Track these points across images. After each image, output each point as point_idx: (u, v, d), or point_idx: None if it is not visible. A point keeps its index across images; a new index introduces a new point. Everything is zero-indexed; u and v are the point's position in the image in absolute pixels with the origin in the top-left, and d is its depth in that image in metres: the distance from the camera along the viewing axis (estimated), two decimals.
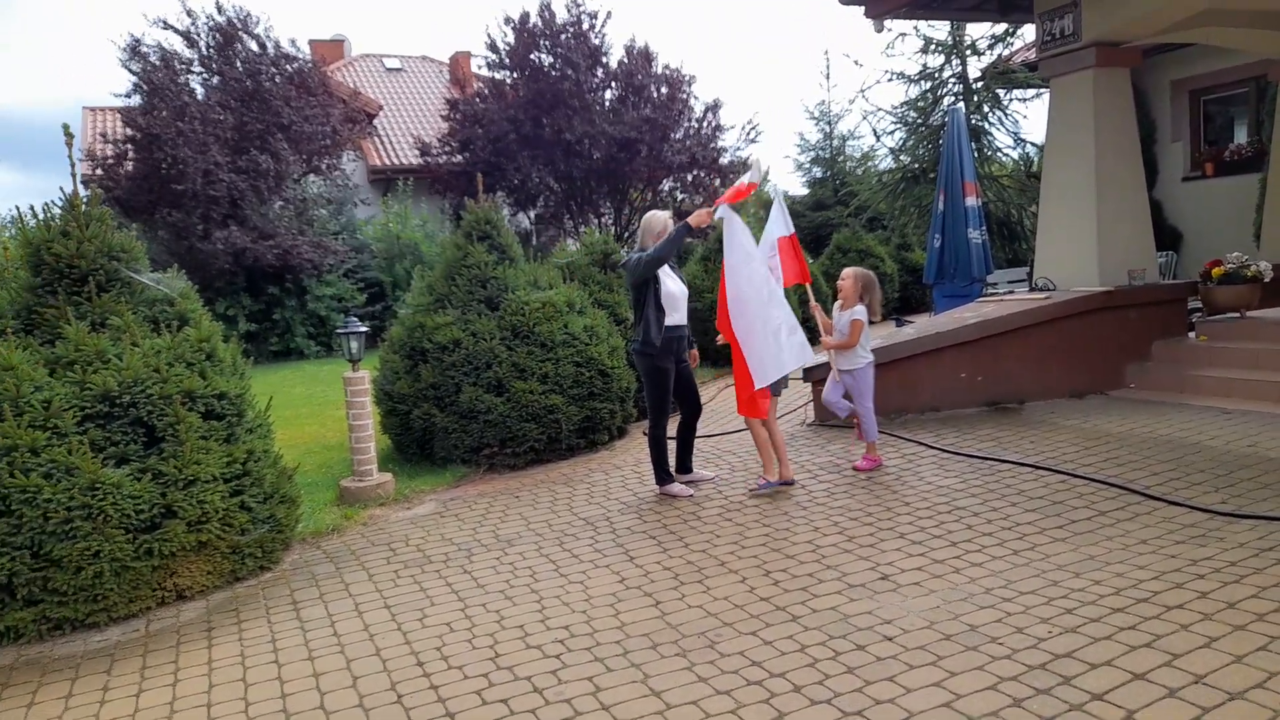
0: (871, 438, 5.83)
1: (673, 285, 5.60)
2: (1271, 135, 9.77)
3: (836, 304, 5.93)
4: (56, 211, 4.82)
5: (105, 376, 4.30)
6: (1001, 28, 13.46)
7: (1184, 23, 7.78)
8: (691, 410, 5.89)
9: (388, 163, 21.23)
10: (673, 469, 5.77)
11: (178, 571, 4.35)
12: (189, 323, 4.86)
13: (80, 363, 4.37)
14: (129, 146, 15.18)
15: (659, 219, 5.63)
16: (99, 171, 15.25)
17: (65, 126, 5.01)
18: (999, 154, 14.81)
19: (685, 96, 19.05)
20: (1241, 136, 12.00)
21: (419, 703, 3.25)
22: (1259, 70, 10.38)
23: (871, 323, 5.92)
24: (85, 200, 4.84)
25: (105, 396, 4.30)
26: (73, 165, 4.92)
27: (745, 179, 5.61)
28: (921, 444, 6.28)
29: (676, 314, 5.58)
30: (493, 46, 18.74)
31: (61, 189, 4.88)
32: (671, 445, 5.84)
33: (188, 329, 4.78)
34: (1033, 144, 14.28)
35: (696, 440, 6.11)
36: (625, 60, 18.76)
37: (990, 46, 14.07)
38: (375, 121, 21.79)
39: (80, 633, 4.13)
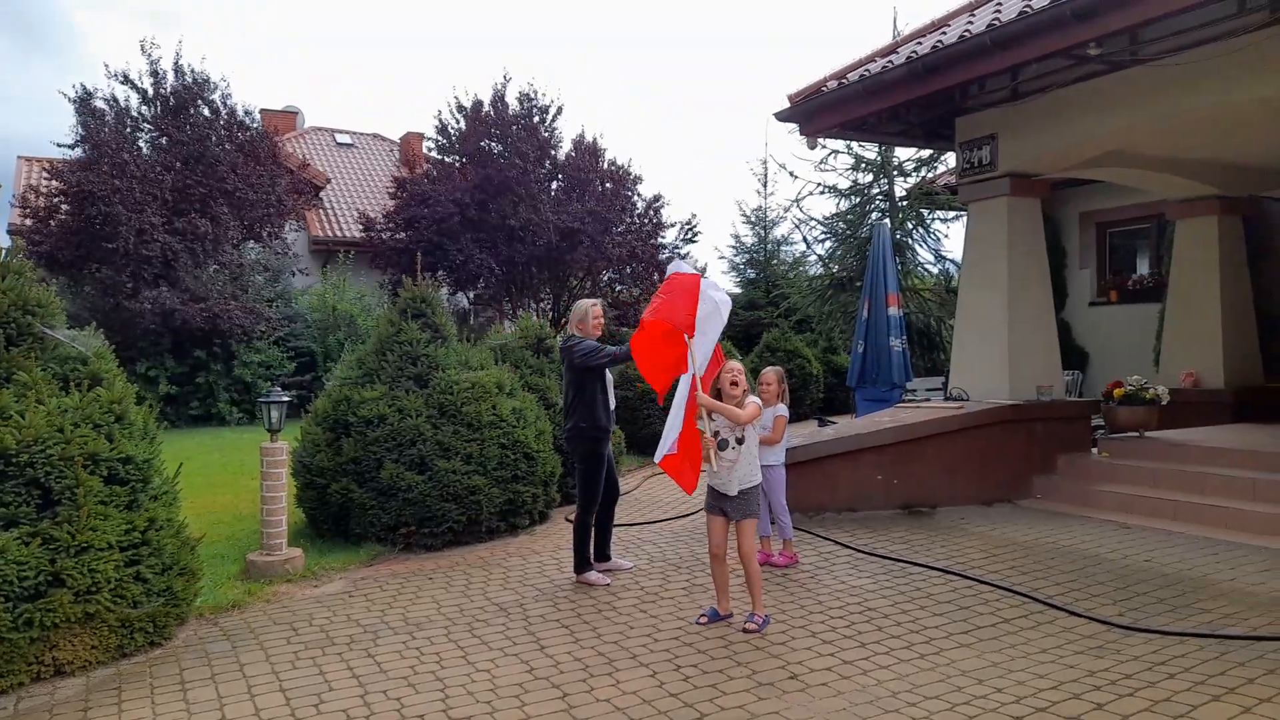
0: (788, 534, 5.90)
1: (609, 373, 5.78)
2: (1170, 270, 10.48)
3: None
4: None
5: (3, 433, 4.12)
6: (926, 153, 14.30)
7: (1091, 161, 8.41)
8: (610, 497, 5.91)
9: (330, 234, 21.19)
10: (591, 557, 5.74)
11: (59, 644, 4.11)
12: (102, 382, 4.72)
13: None
14: (61, 199, 14.88)
15: (583, 306, 5.84)
16: (29, 222, 14.86)
17: None
18: (921, 268, 15.52)
19: (629, 193, 19.59)
20: (1144, 268, 12.82)
21: None
22: (1159, 209, 11.18)
23: (790, 420, 6.11)
24: (5, 252, 4.74)
25: (1, 454, 4.12)
26: None
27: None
28: (837, 543, 6.37)
29: (612, 402, 5.78)
30: (443, 130, 19.09)
31: None
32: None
33: (99, 389, 4.64)
34: (952, 261, 15.01)
35: (616, 529, 6.10)
36: (573, 154, 19.27)
37: (916, 169, 14.90)
38: (322, 194, 21.81)
39: None
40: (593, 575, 5.59)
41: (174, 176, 15.09)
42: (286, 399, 6.16)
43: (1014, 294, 8.24)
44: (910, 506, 7.48)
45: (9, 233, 15.79)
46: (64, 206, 14.87)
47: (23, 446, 4.13)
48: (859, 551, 6.17)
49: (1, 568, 3.86)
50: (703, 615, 4.85)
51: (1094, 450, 8.29)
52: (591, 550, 5.76)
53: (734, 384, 4.74)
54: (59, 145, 15.27)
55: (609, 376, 5.79)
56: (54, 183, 14.97)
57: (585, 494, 5.68)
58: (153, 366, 14.84)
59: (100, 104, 15.10)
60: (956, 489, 7.66)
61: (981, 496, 7.74)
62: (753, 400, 4.84)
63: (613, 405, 5.80)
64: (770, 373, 5.92)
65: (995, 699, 3.79)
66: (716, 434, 4.72)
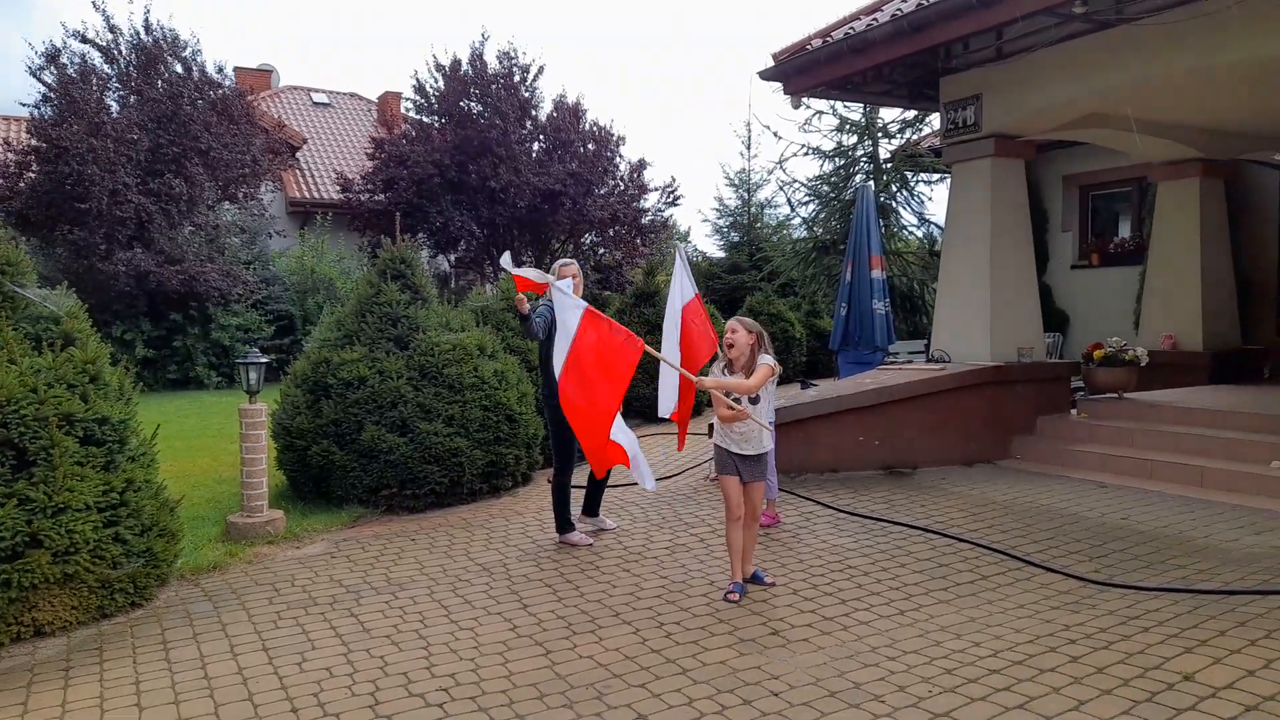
0: (772, 495, 5.92)
1: None
2: (1151, 233, 10.52)
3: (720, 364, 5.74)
4: None
5: None
6: (911, 114, 14.21)
7: (1074, 122, 8.38)
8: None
9: (308, 196, 20.87)
10: (579, 512, 5.75)
11: (38, 605, 4.08)
12: (75, 343, 4.64)
13: None
14: (31, 158, 14.55)
15: (554, 268, 5.61)
16: None
17: None
18: (904, 231, 15.50)
19: (611, 155, 19.39)
20: (1125, 231, 12.87)
21: None
22: (1141, 172, 11.20)
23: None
24: None
25: None
26: None
27: (534, 277, 5.21)
28: (819, 503, 6.41)
29: None
30: (421, 90, 18.77)
31: None
32: (581, 491, 5.85)
33: (72, 349, 4.56)
34: (936, 224, 15.00)
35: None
36: (554, 114, 19.02)
37: (900, 130, 14.81)
38: (298, 154, 21.45)
39: None
40: (575, 535, 5.61)
41: (147, 135, 14.77)
42: (264, 360, 6.09)
43: (996, 256, 8.25)
44: (891, 467, 7.54)
45: None
46: (34, 165, 14.54)
47: None
48: (840, 511, 6.22)
49: None
50: (731, 593, 4.54)
51: (1073, 411, 8.38)
52: (581, 504, 5.76)
53: (730, 345, 4.62)
54: (23, 105, 14.90)
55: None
56: (24, 139, 14.61)
57: (559, 455, 5.66)
58: (128, 330, 14.65)
59: (65, 61, 14.70)
60: (937, 450, 7.72)
61: (962, 457, 7.81)
62: (765, 361, 4.60)
63: None
64: (733, 321, 5.55)
65: (973, 653, 3.85)
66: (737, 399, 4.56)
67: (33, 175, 14.57)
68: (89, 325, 4.83)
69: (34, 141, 14.36)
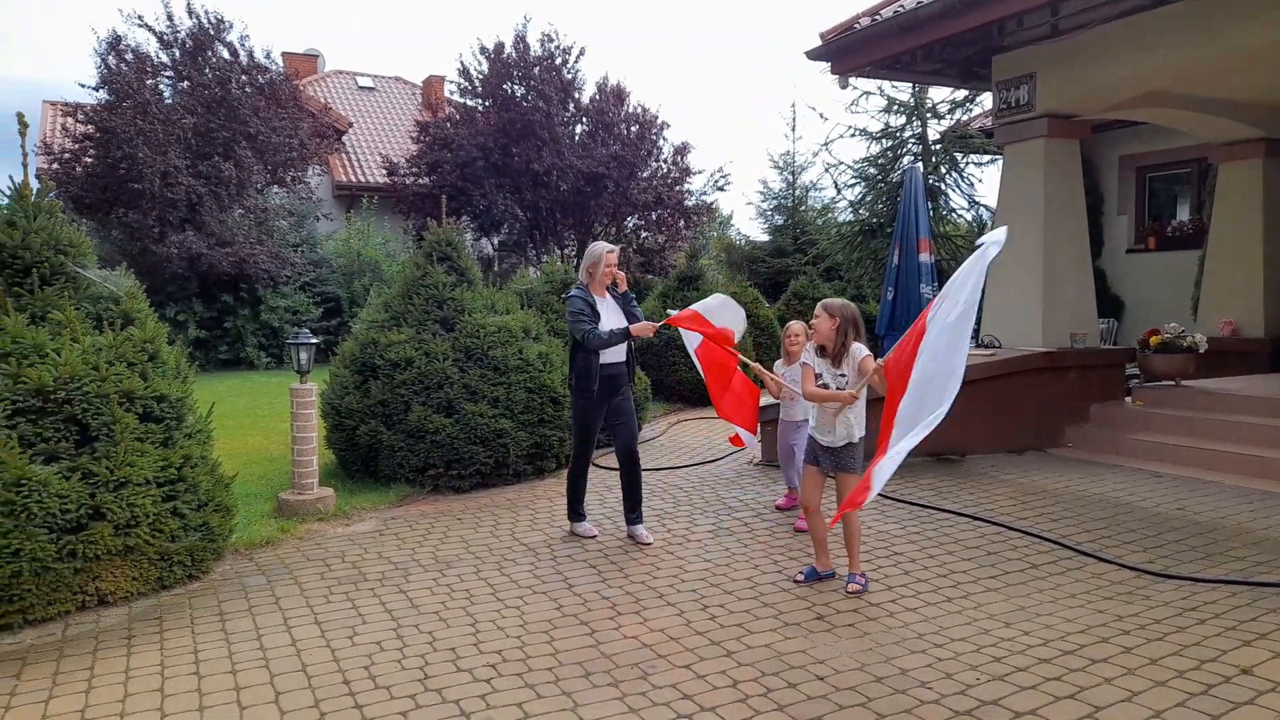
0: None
1: (611, 322, 5.32)
2: (1211, 216, 10.21)
3: (779, 362, 5.87)
4: (4, 201, 4.73)
5: (41, 371, 4.18)
6: (961, 93, 13.92)
7: (1132, 101, 8.15)
8: (625, 448, 5.41)
9: (354, 179, 21.12)
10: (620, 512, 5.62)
11: (101, 575, 4.21)
12: (134, 322, 4.76)
13: (16, 355, 4.24)
14: (87, 143, 14.91)
15: (597, 251, 5.37)
16: (55, 166, 14.92)
17: (20, 115, 4.92)
18: (953, 214, 15.21)
19: (655, 137, 19.31)
20: (1184, 214, 12.50)
21: None
22: (1201, 153, 10.86)
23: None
24: (35, 192, 4.75)
25: (39, 391, 4.17)
26: (25, 155, 4.83)
27: (708, 316, 5.36)
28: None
29: (613, 352, 5.35)
30: (465, 73, 18.84)
31: (11, 179, 4.78)
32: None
33: (132, 328, 4.68)
34: (986, 207, 14.69)
35: (644, 473, 6.02)
36: (597, 97, 18.99)
37: (950, 111, 14.52)
38: (344, 138, 21.69)
39: None
40: (582, 526, 5.46)
41: (196, 120, 15.04)
42: (314, 342, 6.19)
43: (1050, 239, 8.07)
44: (939, 454, 7.44)
45: (36, 177, 15.85)
46: (90, 150, 14.90)
47: (60, 384, 4.19)
48: (886, 497, 6.16)
49: (44, 500, 3.94)
50: (799, 574, 4.56)
51: (1128, 399, 8.19)
52: (624, 509, 5.50)
53: (807, 332, 4.87)
54: (82, 86, 15.26)
55: (609, 325, 5.30)
56: (80, 126, 14.98)
57: (575, 445, 5.48)
58: (181, 311, 14.98)
59: (125, 47, 15.03)
60: (986, 436, 7.60)
61: (1012, 444, 7.68)
62: (862, 353, 4.43)
63: (607, 360, 5.30)
64: (797, 325, 5.75)
65: (1022, 641, 3.80)
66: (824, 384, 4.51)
67: (89, 160, 14.93)
68: (147, 305, 4.95)
69: (86, 128, 14.70)
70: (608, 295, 5.43)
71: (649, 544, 5.29)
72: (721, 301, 5.44)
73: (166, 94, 15.42)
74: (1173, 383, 8.03)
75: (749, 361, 5.92)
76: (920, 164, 14.01)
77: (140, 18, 15.29)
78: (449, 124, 18.80)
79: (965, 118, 14.47)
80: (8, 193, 4.76)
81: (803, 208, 20.28)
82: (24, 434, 4.08)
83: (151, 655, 3.75)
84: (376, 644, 3.84)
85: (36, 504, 3.93)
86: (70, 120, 15.28)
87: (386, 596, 4.42)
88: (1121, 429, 7.70)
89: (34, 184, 4.77)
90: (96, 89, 14.93)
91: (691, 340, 5.56)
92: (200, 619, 4.15)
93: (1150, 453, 7.20)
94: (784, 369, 5.78)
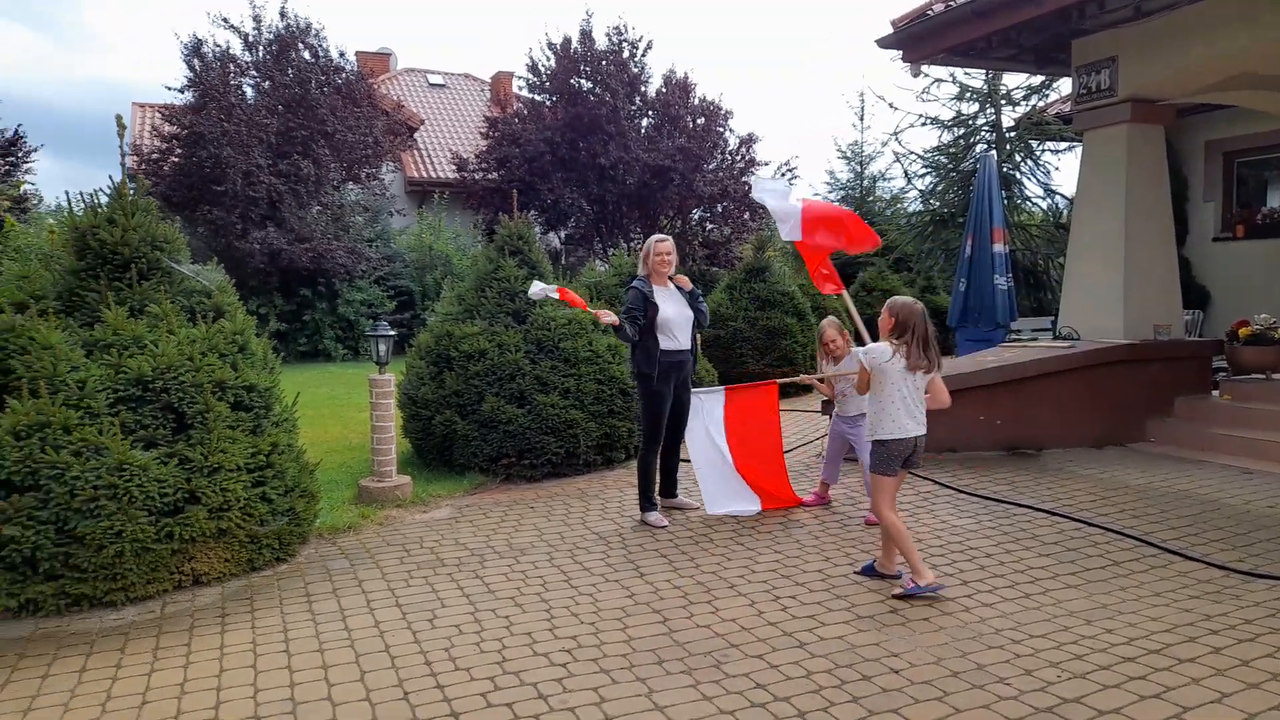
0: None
1: (669, 310, 5.46)
2: None
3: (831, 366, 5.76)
4: (103, 199, 4.97)
5: (140, 361, 4.40)
6: (1038, 79, 13.54)
7: (1220, 84, 7.83)
8: (674, 433, 5.70)
9: (425, 175, 21.54)
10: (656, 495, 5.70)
11: (196, 557, 4.42)
12: (224, 315, 4.96)
13: (117, 346, 4.47)
14: (175, 143, 15.53)
15: (648, 243, 5.66)
16: (144, 166, 15.59)
17: (119, 117, 5.17)
18: (1028, 203, 14.82)
19: (721, 129, 19.23)
20: (1275, 201, 11.94)
21: (425, 700, 3.29)
22: None
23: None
24: (132, 190, 4.98)
25: (139, 380, 4.40)
26: (123, 155, 5.08)
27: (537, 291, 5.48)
28: (937, 483, 6.27)
29: (674, 340, 5.48)
30: (534, 69, 19.04)
31: (111, 178, 5.03)
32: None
33: (223, 321, 4.88)
34: (1062, 196, 14.28)
35: None
36: (663, 90, 18.99)
37: (1025, 97, 14.13)
38: (416, 135, 22.13)
39: (97, 610, 4.20)
40: (652, 516, 5.52)
41: (277, 120, 15.53)
42: (392, 334, 6.37)
43: (1132, 228, 7.82)
44: (1014, 448, 7.29)
45: (131, 176, 16.57)
46: (177, 150, 15.51)
47: (158, 373, 4.41)
48: (960, 492, 6.07)
49: (145, 484, 4.15)
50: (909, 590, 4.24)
51: (1215, 393, 7.89)
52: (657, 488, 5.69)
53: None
54: (169, 89, 15.90)
55: (666, 313, 5.44)
56: (167, 126, 15.61)
57: (645, 433, 5.58)
58: (263, 304, 15.51)
59: (207, 50, 15.61)
60: (1064, 431, 7.41)
61: (1091, 439, 7.48)
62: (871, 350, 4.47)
63: (668, 347, 5.45)
64: (830, 329, 5.66)
65: (1105, 639, 3.71)
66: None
67: (176, 159, 15.56)
68: (236, 298, 5.16)
69: (172, 128, 15.31)
70: (670, 285, 5.56)
71: (696, 508, 5.71)
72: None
73: (249, 94, 15.97)
74: (1263, 376, 7.70)
75: (796, 379, 5.95)
76: (994, 152, 13.68)
77: (225, 19, 15.86)
78: (517, 119, 19.04)
79: (1041, 104, 14.08)
80: (107, 191, 5.00)
81: (871, 198, 19.99)
82: (125, 421, 4.30)
83: (244, 634, 3.93)
84: (455, 627, 3.95)
85: (137, 488, 4.14)
86: (158, 120, 15.94)
87: (464, 581, 4.53)
88: (1208, 423, 7.43)
89: (129, 183, 5.01)
90: (183, 90, 15.53)
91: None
92: (288, 600, 4.32)
93: (1239, 448, 6.93)
94: (830, 368, 5.72)
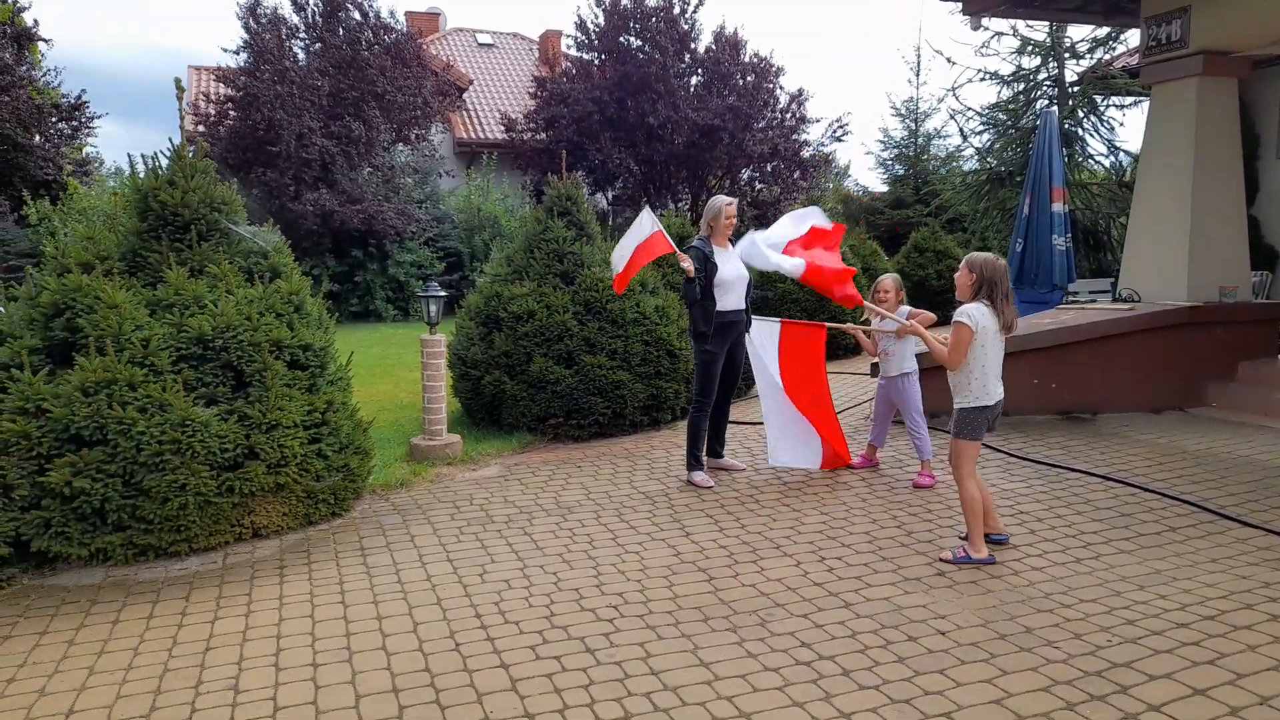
0: (926, 454, 5.48)
1: (728, 270, 5.46)
2: None
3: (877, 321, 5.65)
4: (164, 162, 5.08)
5: (201, 320, 4.52)
6: (1104, 31, 13.01)
7: None
8: (725, 393, 5.73)
9: (473, 136, 21.58)
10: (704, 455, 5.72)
11: (256, 510, 4.57)
12: (280, 276, 5.07)
13: (178, 306, 4.60)
14: (229, 105, 15.75)
15: (717, 204, 5.56)
16: (200, 128, 15.87)
17: (178, 80, 5.26)
18: (1091, 161, 14.33)
19: (771, 86, 18.90)
20: None
21: (475, 652, 3.38)
22: None
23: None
24: (191, 153, 5.08)
25: (200, 339, 4.52)
26: (181, 118, 5.17)
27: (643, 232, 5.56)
28: (989, 446, 6.18)
29: (729, 299, 5.47)
30: (582, 27, 18.86)
31: (170, 140, 5.13)
32: None
33: (279, 281, 4.99)
34: (1127, 153, 13.77)
35: (760, 427, 6.10)
36: (713, 47, 18.69)
37: (1090, 50, 13.60)
38: (464, 96, 22.13)
39: (162, 560, 4.37)
40: (698, 476, 5.53)
41: (329, 81, 15.65)
42: (443, 295, 6.44)
43: (1199, 186, 7.53)
44: (1069, 412, 7.15)
45: (190, 139, 16.88)
46: (231, 112, 15.75)
47: (217, 332, 4.53)
48: (1011, 455, 5.98)
49: (206, 440, 4.29)
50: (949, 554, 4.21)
51: None
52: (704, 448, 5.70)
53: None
54: (224, 50, 16.12)
55: (723, 272, 5.42)
56: (222, 89, 15.84)
57: (696, 392, 5.58)
58: (316, 265, 15.78)
59: (262, 12, 15.76)
60: (1122, 395, 7.24)
61: (1149, 404, 7.30)
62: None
63: (724, 307, 5.45)
64: (888, 279, 5.57)
65: (1158, 605, 3.66)
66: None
67: (230, 122, 15.80)
68: (291, 259, 5.26)
69: (228, 91, 15.53)
70: (730, 246, 5.57)
71: (742, 469, 5.81)
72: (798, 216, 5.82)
73: (300, 56, 16.10)
74: None
75: (841, 326, 5.88)
76: (1055, 107, 13.24)
77: None
78: (565, 79, 18.92)
79: (1107, 57, 13.54)
80: (166, 154, 5.11)
81: (925, 156, 19.53)
82: (187, 379, 4.44)
83: (301, 585, 4.07)
84: (505, 582, 4.04)
85: (199, 443, 4.28)
86: (214, 83, 16.18)
87: (513, 538, 4.62)
88: (1272, 388, 7.19)
89: (189, 146, 5.10)
90: (238, 52, 15.73)
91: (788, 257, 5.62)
92: (344, 553, 4.45)
93: None
94: (877, 322, 5.63)
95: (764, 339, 5.63)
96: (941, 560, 4.19)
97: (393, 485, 5.57)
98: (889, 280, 5.59)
